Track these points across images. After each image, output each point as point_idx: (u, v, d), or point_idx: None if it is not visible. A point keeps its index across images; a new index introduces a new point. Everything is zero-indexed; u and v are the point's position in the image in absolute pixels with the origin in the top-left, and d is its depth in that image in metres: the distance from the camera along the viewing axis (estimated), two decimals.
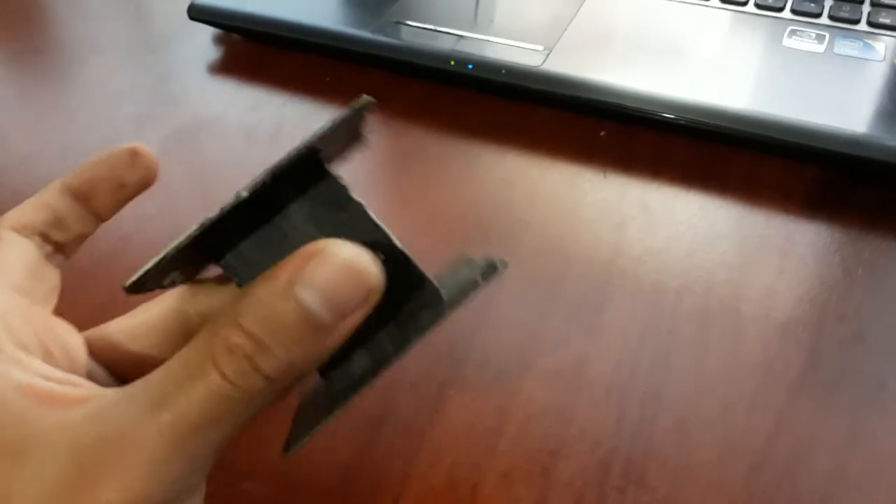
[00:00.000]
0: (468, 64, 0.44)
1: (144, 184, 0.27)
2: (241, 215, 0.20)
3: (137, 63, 0.51)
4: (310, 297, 0.19)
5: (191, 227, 0.20)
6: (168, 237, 0.35)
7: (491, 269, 0.22)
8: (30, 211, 0.26)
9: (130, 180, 0.27)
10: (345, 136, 0.23)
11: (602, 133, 0.43)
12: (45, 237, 0.26)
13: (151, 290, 0.22)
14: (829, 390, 0.31)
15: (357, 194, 0.23)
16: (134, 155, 0.27)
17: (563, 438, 0.30)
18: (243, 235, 0.22)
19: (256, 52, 0.50)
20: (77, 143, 0.45)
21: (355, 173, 0.41)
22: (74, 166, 0.42)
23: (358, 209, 0.22)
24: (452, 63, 0.45)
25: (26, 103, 0.48)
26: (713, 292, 0.35)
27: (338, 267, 0.19)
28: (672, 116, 0.41)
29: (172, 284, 0.24)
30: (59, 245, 0.27)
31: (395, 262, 0.21)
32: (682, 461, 0.29)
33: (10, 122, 0.47)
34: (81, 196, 0.27)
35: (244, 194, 0.19)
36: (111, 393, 0.20)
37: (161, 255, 0.20)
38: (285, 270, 0.19)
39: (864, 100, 0.41)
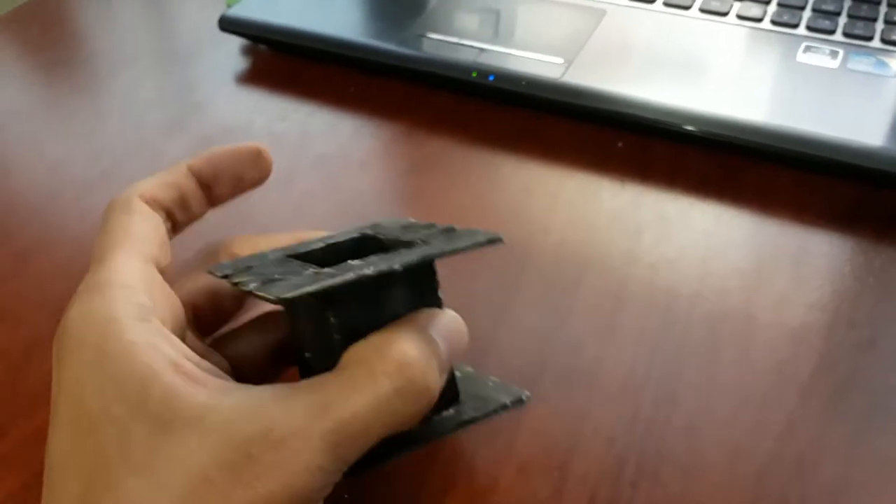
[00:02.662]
0: (490, 75, 0.46)
1: (259, 182, 0.29)
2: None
3: (167, 73, 0.53)
4: (438, 338, 0.24)
5: (347, 274, 0.23)
6: (193, 241, 0.37)
7: (518, 402, 0.28)
8: (160, 187, 0.27)
9: (249, 176, 0.29)
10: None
11: (620, 144, 0.44)
12: (169, 215, 0.27)
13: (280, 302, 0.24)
14: (840, 394, 0.32)
15: (441, 292, 0.27)
16: (258, 154, 0.29)
17: (578, 436, 0.30)
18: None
19: (283, 64, 0.52)
20: (107, 149, 0.46)
21: (381, 181, 0.42)
22: (105, 171, 0.44)
23: (437, 300, 0.27)
24: (474, 74, 0.46)
25: (58, 109, 0.50)
26: (726, 298, 0.35)
27: (454, 321, 0.25)
28: (689, 128, 0.42)
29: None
30: (175, 224, 0.28)
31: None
32: (694, 460, 0.30)
33: (42, 127, 0.48)
34: (205, 182, 0.28)
35: (398, 269, 0.23)
36: (257, 390, 0.22)
37: (319, 287, 0.23)
38: (421, 318, 0.25)
39: (877, 114, 0.42)
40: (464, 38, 0.48)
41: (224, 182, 0.29)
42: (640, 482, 0.29)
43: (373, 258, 0.25)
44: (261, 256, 0.27)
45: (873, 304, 0.35)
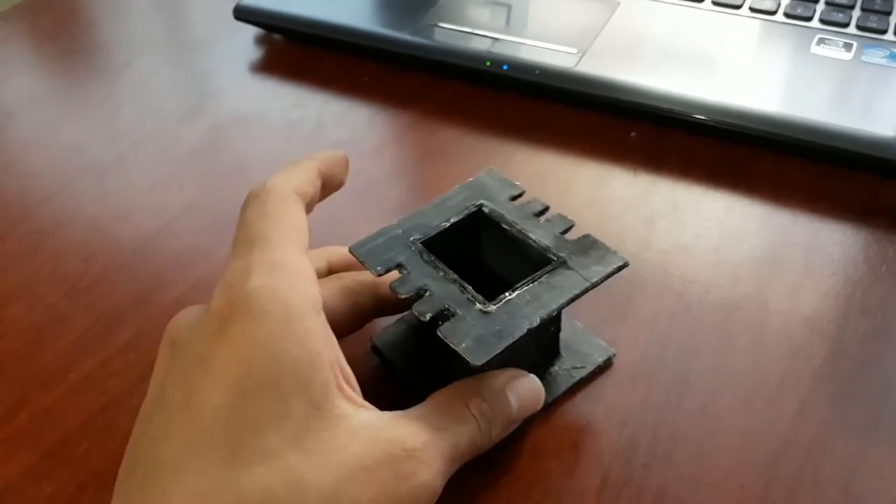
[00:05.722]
0: (503, 65, 0.46)
1: (340, 186, 0.31)
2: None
3: (182, 61, 0.53)
4: (513, 399, 0.28)
5: (520, 329, 0.27)
6: (211, 221, 0.37)
7: (608, 361, 0.33)
8: (303, 182, 0.28)
9: (338, 180, 0.31)
10: None
11: (633, 133, 0.44)
12: (306, 209, 0.28)
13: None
14: (851, 380, 0.32)
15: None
16: (346, 162, 0.31)
17: (591, 417, 0.31)
18: None
19: (297, 52, 0.52)
20: (123, 134, 0.46)
21: (395, 168, 0.43)
22: (121, 155, 0.45)
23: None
24: (488, 64, 0.46)
25: (74, 96, 0.50)
26: (739, 285, 0.36)
27: (530, 387, 0.29)
28: (702, 118, 0.42)
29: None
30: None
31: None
32: (706, 443, 0.30)
33: (59, 113, 0.49)
34: (323, 181, 0.30)
35: (555, 313, 0.28)
36: (379, 412, 0.25)
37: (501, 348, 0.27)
38: (505, 375, 0.28)
39: (890, 105, 0.42)
40: (477, 28, 0.49)
41: (328, 183, 0.30)
42: (653, 464, 0.29)
43: (526, 295, 0.28)
44: (404, 249, 0.30)
45: (886, 292, 0.35)
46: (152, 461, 0.23)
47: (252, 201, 0.27)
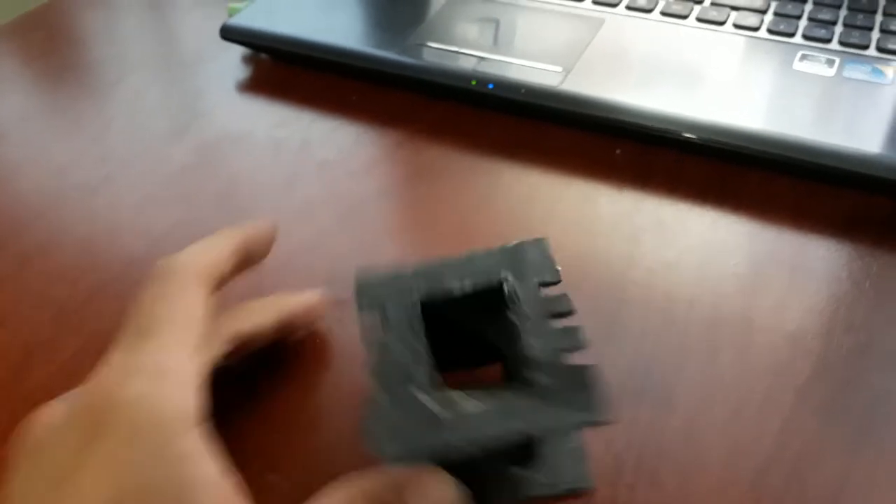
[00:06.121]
0: (489, 84, 0.46)
1: (260, 261, 0.31)
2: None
3: (170, 80, 0.53)
4: None
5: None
6: (198, 241, 0.37)
7: (581, 489, 0.29)
8: (214, 261, 0.27)
9: (258, 257, 0.30)
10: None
11: (618, 151, 0.44)
12: (216, 287, 0.28)
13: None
14: (836, 397, 0.32)
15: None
16: (273, 236, 0.30)
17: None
18: None
19: (284, 72, 0.52)
20: (111, 154, 0.46)
21: (382, 188, 0.43)
22: (109, 175, 0.45)
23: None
24: (474, 83, 0.46)
25: (62, 115, 0.50)
26: (724, 302, 0.36)
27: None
28: (687, 136, 0.42)
29: None
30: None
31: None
32: (691, 461, 0.30)
33: (46, 132, 0.49)
34: (242, 258, 0.29)
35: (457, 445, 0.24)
36: None
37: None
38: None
39: (873, 121, 0.42)
40: (463, 47, 0.49)
41: (248, 260, 0.30)
42: (638, 484, 0.29)
43: (482, 405, 0.24)
44: (400, 305, 0.27)
45: (870, 308, 0.35)
46: None
47: (153, 280, 0.26)
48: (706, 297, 0.36)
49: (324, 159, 0.45)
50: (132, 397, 0.22)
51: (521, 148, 0.45)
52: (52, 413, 0.24)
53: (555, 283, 0.29)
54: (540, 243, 0.30)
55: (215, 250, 0.28)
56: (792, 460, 0.30)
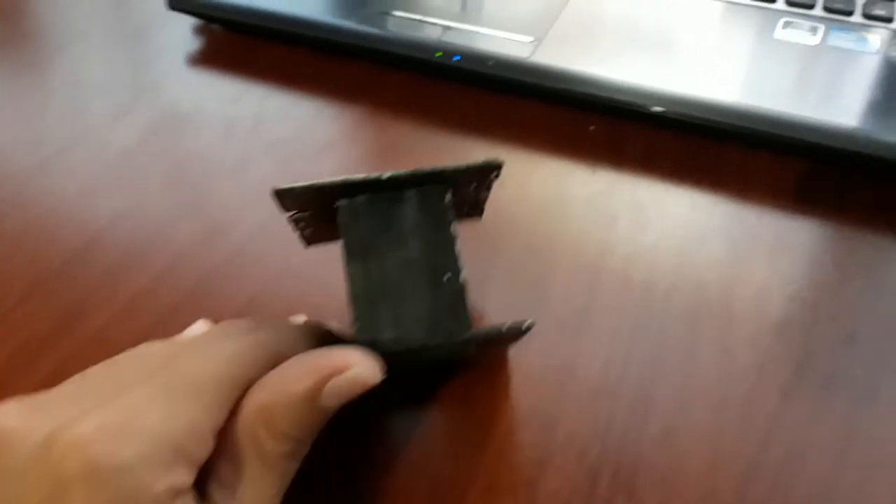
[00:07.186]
0: (455, 55, 0.43)
1: None
2: (371, 188, 0.26)
3: (115, 53, 0.50)
4: (328, 402, 0.23)
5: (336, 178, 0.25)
6: (143, 232, 0.34)
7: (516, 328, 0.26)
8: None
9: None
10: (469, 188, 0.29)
11: (592, 127, 0.42)
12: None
13: (288, 209, 0.26)
14: (822, 392, 0.30)
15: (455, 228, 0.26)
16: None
17: (548, 446, 0.29)
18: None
19: (237, 43, 0.49)
20: (52, 134, 0.43)
21: (342, 168, 0.40)
22: (48, 157, 0.41)
23: (449, 237, 0.26)
24: (439, 55, 0.44)
25: (0, 91, 0.47)
26: (704, 291, 0.34)
27: (352, 382, 0.23)
28: (663, 110, 0.40)
29: (294, 223, 0.27)
30: None
31: (455, 285, 0.25)
32: (672, 469, 0.28)
33: None
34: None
35: (385, 176, 0.26)
36: None
37: (314, 182, 0.25)
38: (312, 379, 0.23)
39: (857, 93, 0.40)
40: (428, 15, 0.46)
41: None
42: (616, 497, 0.27)
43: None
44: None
45: (855, 295, 0.33)
46: None
47: None
48: (685, 285, 0.34)
49: (279, 138, 0.42)
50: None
51: (490, 124, 0.42)
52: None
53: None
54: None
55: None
56: (777, 463, 0.28)
